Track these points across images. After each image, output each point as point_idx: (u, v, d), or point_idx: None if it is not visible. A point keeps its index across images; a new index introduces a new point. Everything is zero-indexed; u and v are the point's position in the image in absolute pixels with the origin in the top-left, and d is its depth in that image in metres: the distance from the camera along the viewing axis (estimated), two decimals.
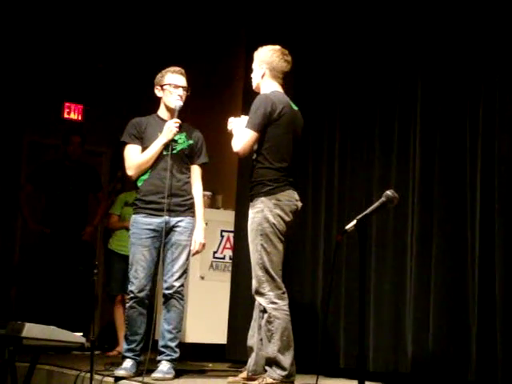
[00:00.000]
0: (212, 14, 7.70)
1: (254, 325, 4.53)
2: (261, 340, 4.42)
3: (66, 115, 8.23)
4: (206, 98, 7.53)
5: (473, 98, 4.72)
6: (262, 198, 4.40)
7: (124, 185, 7.00)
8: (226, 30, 7.45)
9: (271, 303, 4.33)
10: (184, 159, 4.93)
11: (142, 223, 4.83)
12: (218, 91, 7.57)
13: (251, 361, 4.48)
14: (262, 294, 4.36)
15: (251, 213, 4.45)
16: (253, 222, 4.42)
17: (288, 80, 4.69)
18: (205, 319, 6.43)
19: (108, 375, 4.68)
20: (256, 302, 4.46)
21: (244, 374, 4.57)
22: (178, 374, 4.82)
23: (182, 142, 4.93)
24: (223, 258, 6.72)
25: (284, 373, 4.30)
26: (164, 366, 4.73)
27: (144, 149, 4.88)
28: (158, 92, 4.96)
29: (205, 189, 5.16)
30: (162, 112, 4.98)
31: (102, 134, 8.00)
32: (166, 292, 4.81)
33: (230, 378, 4.62)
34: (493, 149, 4.55)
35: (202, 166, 5.02)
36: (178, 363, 4.87)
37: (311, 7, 5.89)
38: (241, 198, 6.01)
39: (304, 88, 5.72)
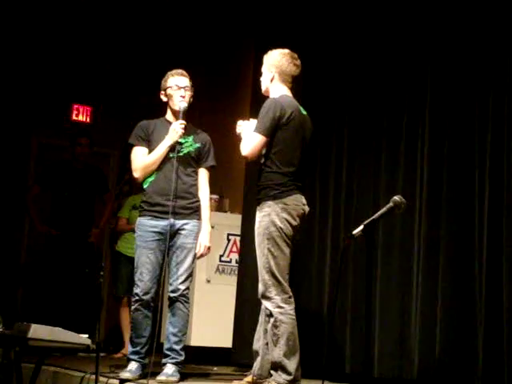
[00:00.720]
0: (221, 16, 7.71)
1: (259, 329, 4.53)
2: (266, 344, 4.42)
3: (74, 117, 8.24)
4: (215, 100, 7.54)
5: (482, 103, 4.71)
6: (269, 202, 4.40)
7: (131, 187, 7.00)
8: (235, 33, 7.45)
9: (277, 307, 4.32)
10: (191, 162, 4.93)
11: (147, 226, 4.83)
12: (226, 94, 7.58)
13: (256, 365, 4.48)
14: (268, 298, 4.36)
15: (258, 217, 4.45)
16: (260, 226, 4.42)
17: (297, 84, 4.69)
18: (210, 322, 6.42)
19: (113, 377, 4.68)
20: (262, 306, 4.45)
21: (249, 378, 4.56)
22: (183, 377, 4.81)
23: (189, 144, 4.93)
24: (229, 262, 6.72)
25: (289, 377, 4.28)
26: (169, 369, 4.73)
27: (151, 151, 4.89)
28: (163, 97, 4.97)
29: (212, 192, 5.16)
30: (169, 116, 4.99)
31: (110, 136, 8.00)
32: (172, 295, 4.81)
33: (235, 382, 4.61)
34: (502, 155, 4.54)
35: (209, 169, 5.01)
36: (182, 366, 4.86)
37: (320, 12, 5.88)
38: (248, 201, 6.01)
39: (312, 93, 5.72)
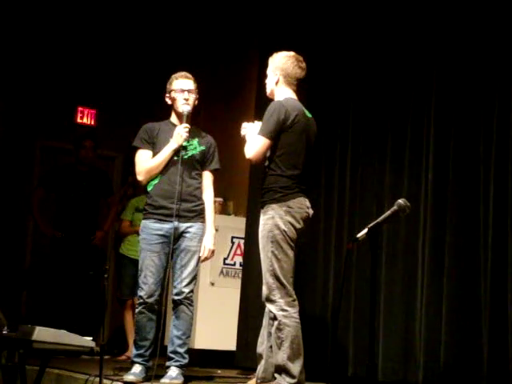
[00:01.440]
0: (226, 19, 7.71)
1: (263, 332, 4.52)
2: (270, 347, 4.41)
3: (78, 120, 8.25)
4: (219, 103, 7.53)
5: (487, 107, 4.71)
6: (273, 205, 4.39)
7: (135, 190, 7.00)
8: (240, 36, 7.45)
9: (281, 310, 4.31)
10: (195, 165, 4.93)
11: (151, 229, 4.83)
12: (231, 96, 7.57)
13: (260, 368, 4.47)
14: (272, 301, 4.35)
15: (262, 219, 4.44)
16: (264, 229, 4.41)
17: (302, 87, 4.68)
18: (214, 325, 6.41)
19: (117, 380, 4.68)
20: (266, 309, 4.44)
21: (253, 381, 4.56)
22: (187, 380, 4.81)
23: (194, 147, 4.93)
24: (233, 265, 6.71)
25: (293, 380, 4.27)
26: (173, 372, 4.73)
27: (155, 154, 4.89)
28: (168, 100, 4.98)
29: (216, 195, 5.16)
30: (174, 118, 4.99)
31: (115, 139, 8.01)
32: (176, 298, 4.81)
33: None
34: (507, 159, 4.54)
35: (213, 172, 5.01)
36: (186, 369, 4.86)
37: (326, 15, 5.89)
38: (252, 204, 6.01)
39: (317, 95, 5.72)
